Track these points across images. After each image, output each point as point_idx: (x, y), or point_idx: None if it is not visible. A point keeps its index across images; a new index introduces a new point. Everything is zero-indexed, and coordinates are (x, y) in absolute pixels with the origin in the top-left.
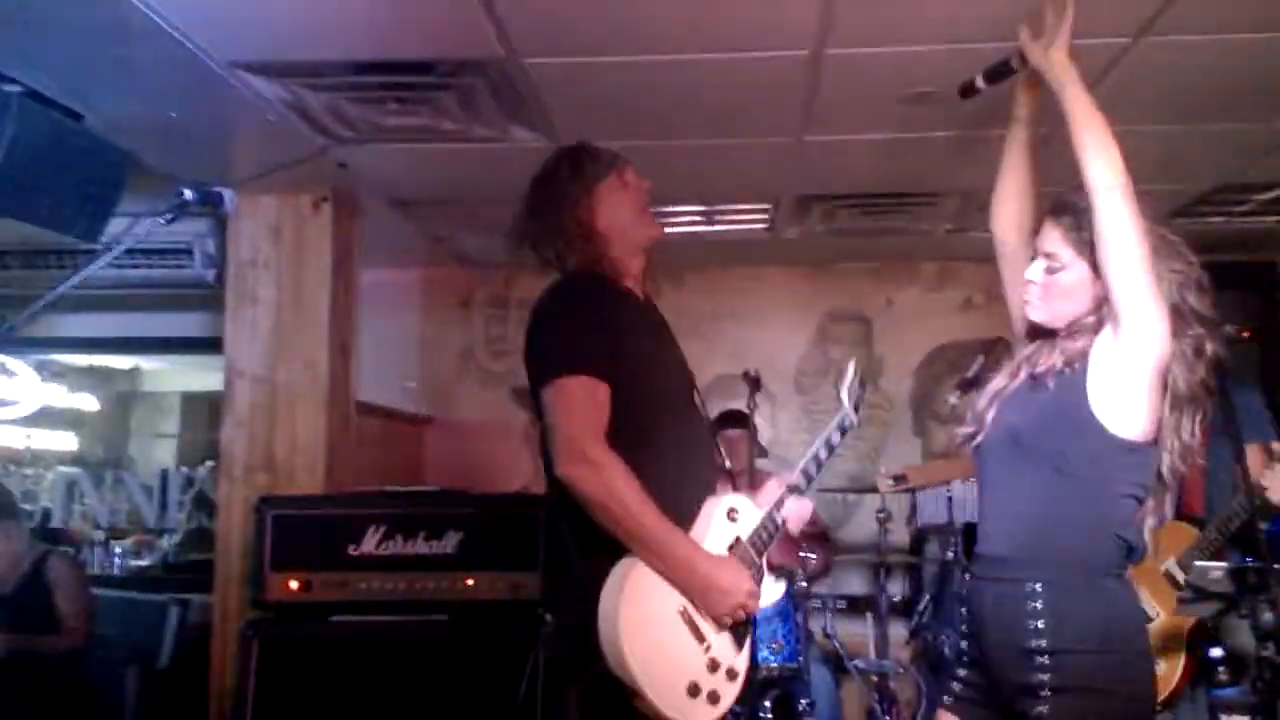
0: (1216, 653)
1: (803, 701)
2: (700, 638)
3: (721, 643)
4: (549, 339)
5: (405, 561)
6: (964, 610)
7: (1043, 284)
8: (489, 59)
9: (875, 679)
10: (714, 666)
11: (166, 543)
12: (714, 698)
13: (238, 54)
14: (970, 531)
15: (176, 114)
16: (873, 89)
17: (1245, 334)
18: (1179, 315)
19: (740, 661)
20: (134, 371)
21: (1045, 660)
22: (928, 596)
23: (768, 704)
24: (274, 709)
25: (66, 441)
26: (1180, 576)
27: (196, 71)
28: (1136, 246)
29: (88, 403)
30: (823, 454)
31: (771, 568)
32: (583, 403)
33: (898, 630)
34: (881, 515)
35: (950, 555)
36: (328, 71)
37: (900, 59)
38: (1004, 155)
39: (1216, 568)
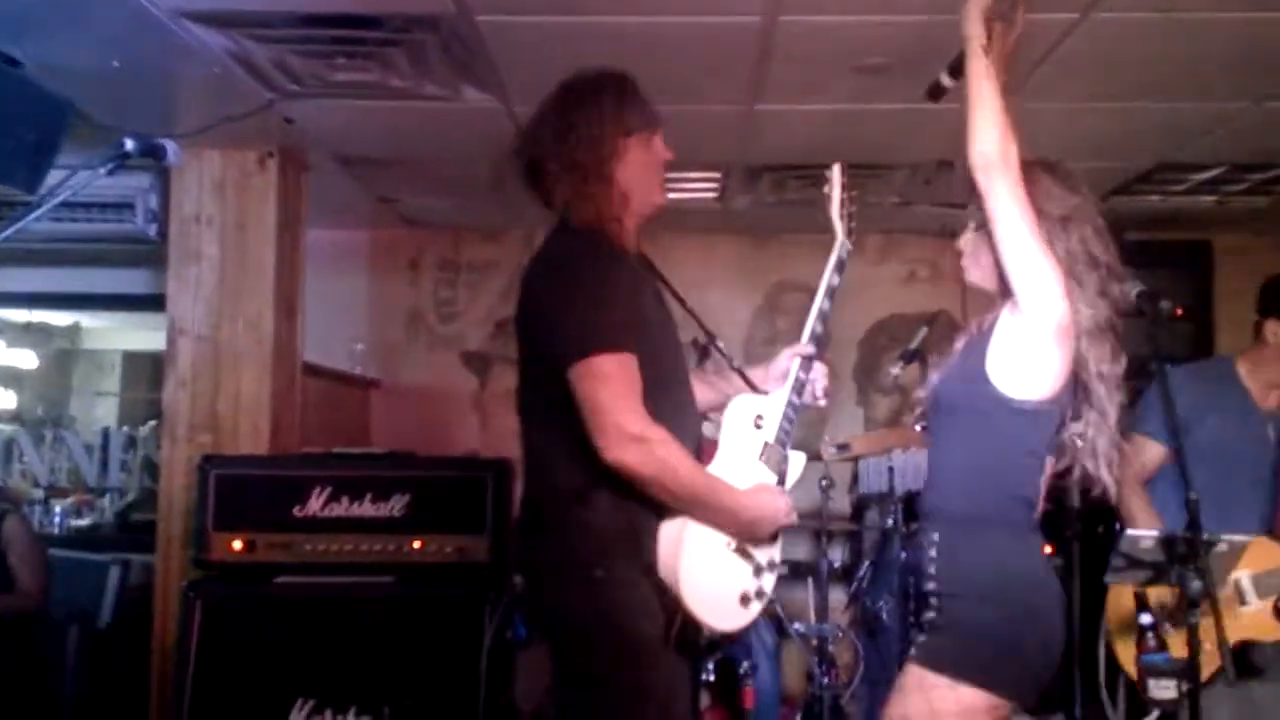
0: (1146, 619)
1: (744, 664)
2: (748, 556)
3: (763, 549)
4: (571, 313)
5: (351, 523)
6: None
7: (969, 242)
8: (440, 15)
9: (815, 643)
10: (759, 571)
11: (108, 502)
12: (760, 594)
13: (183, 2)
14: (910, 500)
15: (119, 63)
16: (824, 59)
17: (1179, 312)
18: (1081, 262)
19: (776, 552)
20: (74, 328)
21: (934, 601)
22: (868, 563)
23: (711, 666)
24: (216, 669)
25: (5, 399)
26: (1251, 594)
27: (141, 19)
28: (1018, 221)
29: (26, 360)
30: (826, 305)
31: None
32: (622, 381)
33: (838, 595)
34: (824, 483)
35: (890, 523)
36: (275, 23)
37: (852, 29)
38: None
39: (1147, 537)
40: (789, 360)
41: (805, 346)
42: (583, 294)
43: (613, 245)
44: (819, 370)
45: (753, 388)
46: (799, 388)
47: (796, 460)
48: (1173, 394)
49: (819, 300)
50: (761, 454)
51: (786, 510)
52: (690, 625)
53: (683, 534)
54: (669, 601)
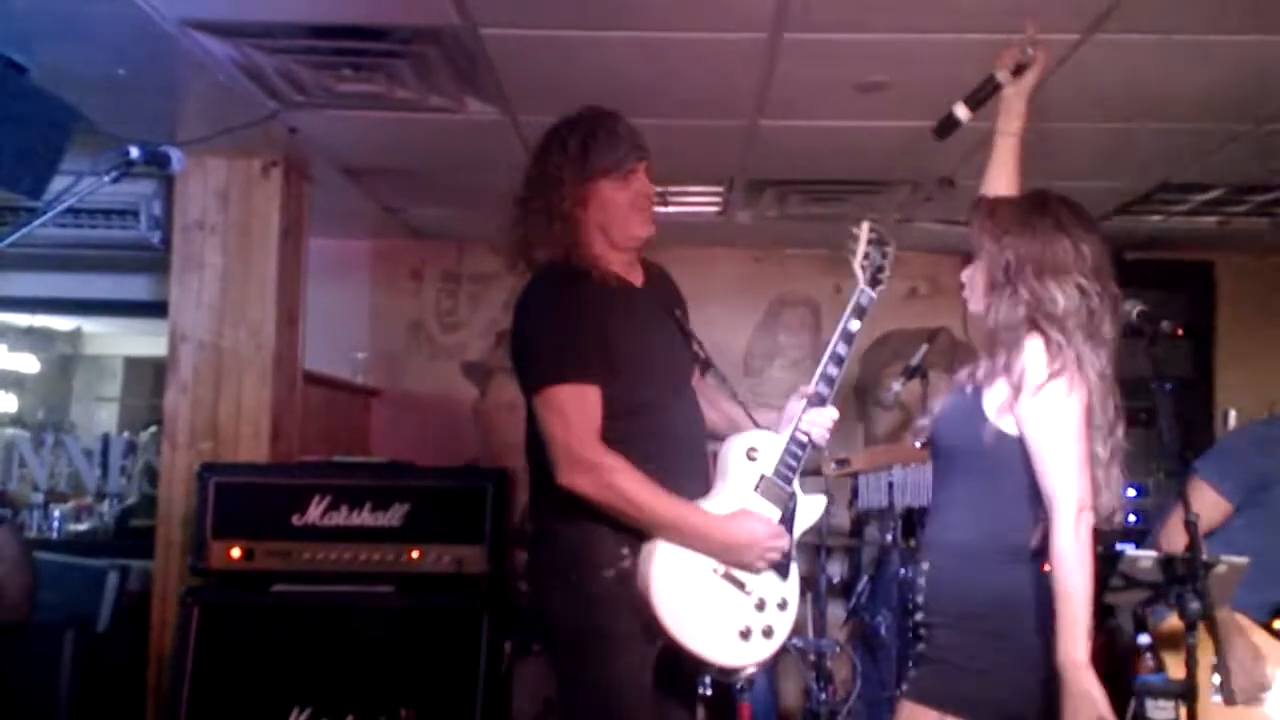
0: (1144, 640)
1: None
2: (741, 586)
3: (763, 582)
4: (531, 346)
5: (350, 532)
6: None
7: (968, 275)
8: (445, 27)
9: (813, 658)
10: (761, 605)
11: (107, 507)
12: (768, 632)
13: (189, 11)
14: (909, 516)
15: (125, 71)
16: (828, 76)
17: (1179, 331)
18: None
19: (789, 589)
20: (76, 333)
21: (924, 632)
22: (866, 579)
23: (707, 680)
24: (213, 676)
25: (6, 403)
26: None
27: (147, 28)
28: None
29: (28, 364)
30: (841, 349)
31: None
32: (574, 410)
33: (836, 611)
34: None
35: (889, 539)
36: (281, 34)
37: (856, 47)
38: (990, 167)
39: (1146, 557)
40: (797, 400)
41: (812, 386)
42: (541, 327)
43: (582, 279)
44: (826, 414)
45: (753, 421)
46: (803, 424)
47: (811, 503)
48: (1266, 445)
49: (833, 344)
50: (758, 486)
51: (768, 536)
52: (678, 649)
53: (654, 550)
54: (642, 608)
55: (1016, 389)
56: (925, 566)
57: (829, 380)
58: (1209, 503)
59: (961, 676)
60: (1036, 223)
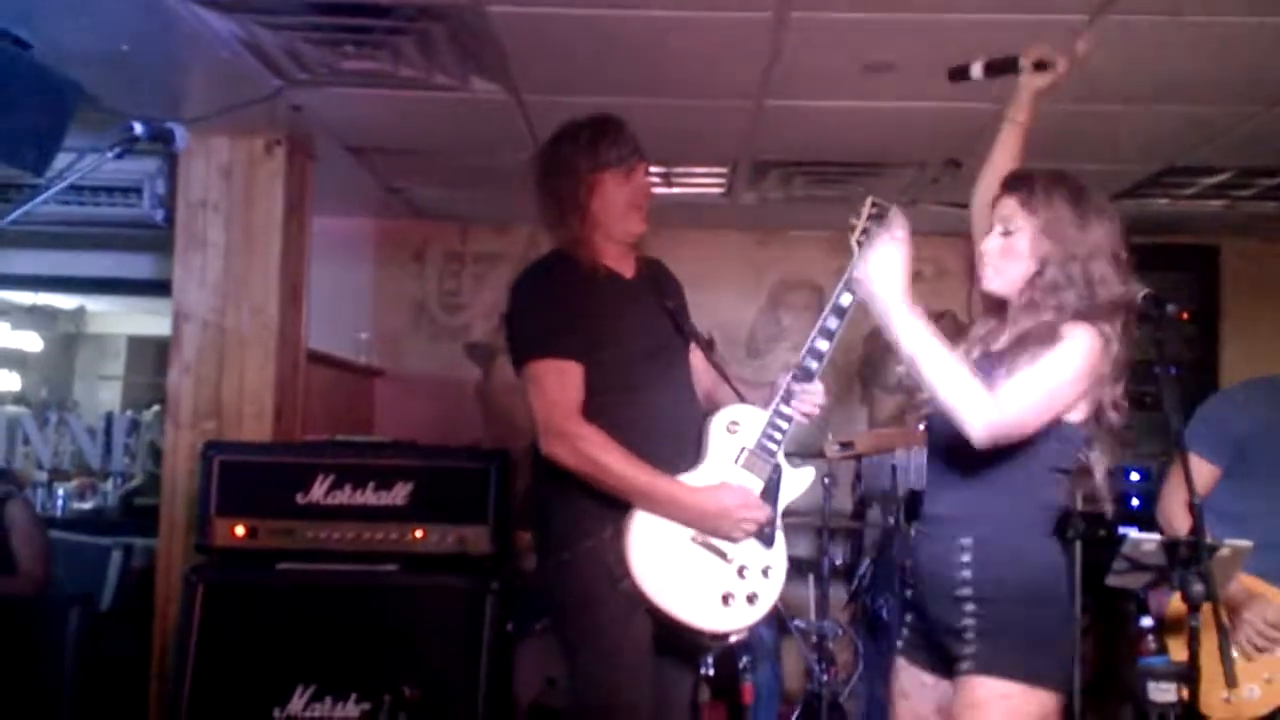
0: (1146, 622)
1: (744, 659)
2: (721, 554)
3: (745, 550)
4: (520, 326)
5: (354, 511)
6: (909, 563)
7: (1000, 249)
8: (450, 4)
9: (815, 639)
10: (743, 572)
11: (110, 486)
12: (751, 598)
13: None
14: (912, 498)
15: (129, 47)
16: (835, 56)
17: (1185, 316)
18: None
19: (774, 557)
20: (79, 312)
21: (971, 607)
22: (868, 561)
23: (710, 661)
24: (217, 654)
25: (9, 381)
26: None
27: (150, 4)
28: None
29: (31, 342)
30: (831, 323)
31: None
32: (553, 384)
33: (838, 593)
34: (826, 480)
35: (892, 521)
36: (284, 10)
37: (863, 26)
38: (995, 150)
39: (1149, 540)
40: (785, 375)
41: (800, 359)
42: (530, 309)
43: (577, 265)
44: (814, 388)
45: (739, 396)
46: (788, 398)
47: (798, 475)
48: (1237, 410)
49: (823, 318)
50: (738, 459)
51: (740, 507)
52: (660, 615)
53: (631, 519)
54: (622, 575)
55: None
56: (967, 541)
57: (817, 355)
58: (1201, 472)
59: (1043, 649)
60: (1087, 212)
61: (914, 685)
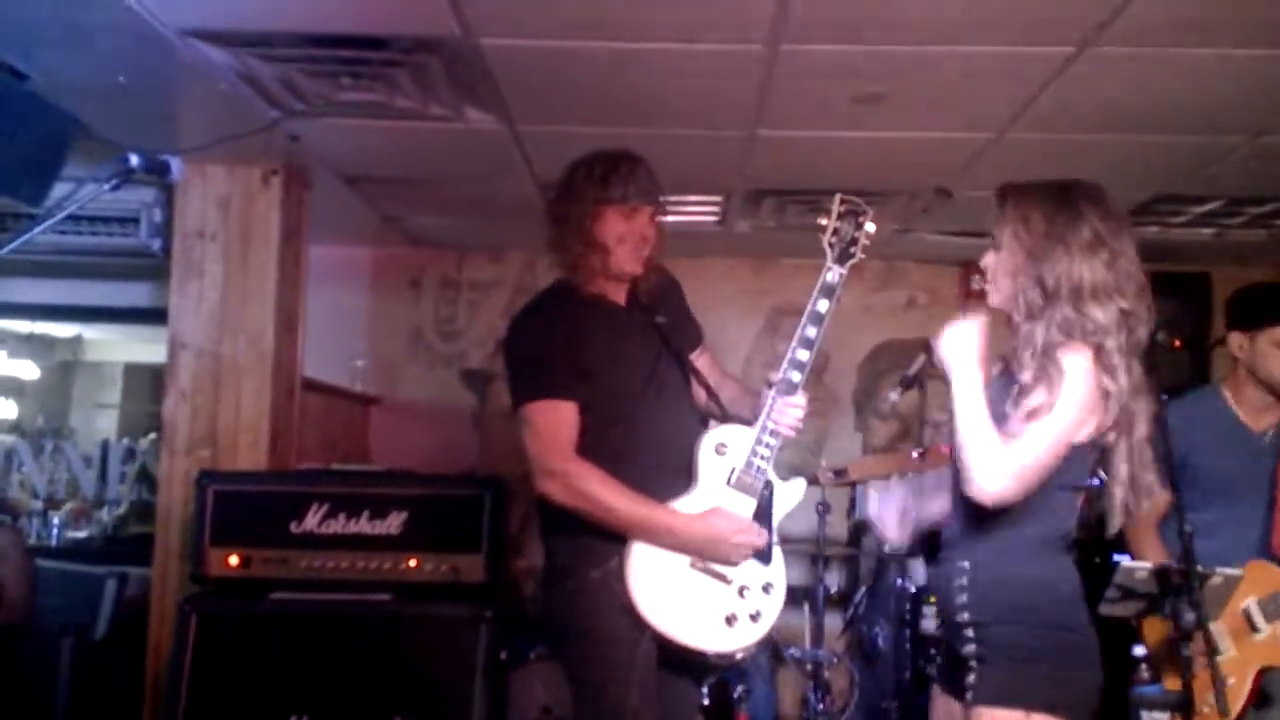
0: (1139, 651)
1: (739, 688)
2: (720, 577)
3: (744, 571)
4: (516, 366)
5: (348, 540)
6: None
7: (992, 265)
8: (444, 38)
9: (810, 668)
10: (744, 592)
11: (106, 514)
12: (755, 616)
13: (190, 21)
14: (932, 538)
15: (126, 79)
16: (825, 87)
17: (1177, 344)
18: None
19: (773, 573)
20: (76, 340)
21: (971, 633)
22: (864, 589)
23: (705, 689)
24: (210, 684)
25: (6, 409)
26: (1260, 620)
27: (147, 37)
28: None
29: (28, 370)
30: (810, 332)
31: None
32: (546, 424)
33: (834, 621)
34: (821, 508)
35: (887, 549)
36: (281, 43)
37: (852, 58)
38: None
39: (1141, 568)
40: (768, 389)
41: (780, 372)
42: (524, 348)
43: (574, 298)
44: (795, 401)
45: (723, 412)
46: (773, 413)
47: (789, 488)
48: (1174, 428)
49: (801, 326)
50: (729, 479)
51: (733, 532)
52: (664, 640)
53: (631, 551)
54: (626, 605)
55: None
56: (964, 564)
57: (799, 365)
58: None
59: (1034, 671)
60: (1071, 238)
61: (944, 714)
